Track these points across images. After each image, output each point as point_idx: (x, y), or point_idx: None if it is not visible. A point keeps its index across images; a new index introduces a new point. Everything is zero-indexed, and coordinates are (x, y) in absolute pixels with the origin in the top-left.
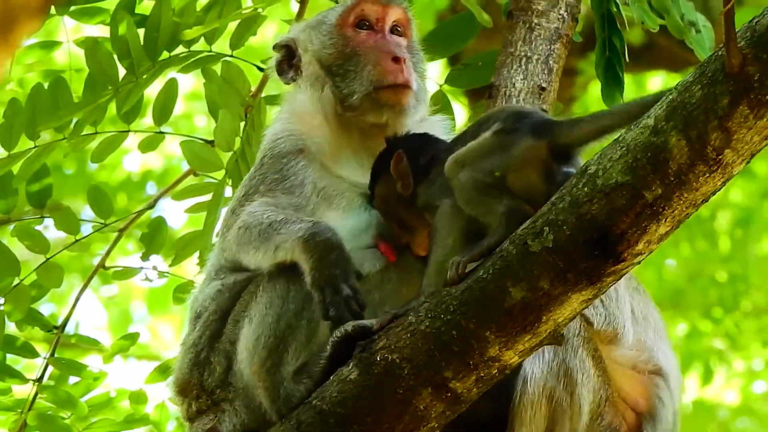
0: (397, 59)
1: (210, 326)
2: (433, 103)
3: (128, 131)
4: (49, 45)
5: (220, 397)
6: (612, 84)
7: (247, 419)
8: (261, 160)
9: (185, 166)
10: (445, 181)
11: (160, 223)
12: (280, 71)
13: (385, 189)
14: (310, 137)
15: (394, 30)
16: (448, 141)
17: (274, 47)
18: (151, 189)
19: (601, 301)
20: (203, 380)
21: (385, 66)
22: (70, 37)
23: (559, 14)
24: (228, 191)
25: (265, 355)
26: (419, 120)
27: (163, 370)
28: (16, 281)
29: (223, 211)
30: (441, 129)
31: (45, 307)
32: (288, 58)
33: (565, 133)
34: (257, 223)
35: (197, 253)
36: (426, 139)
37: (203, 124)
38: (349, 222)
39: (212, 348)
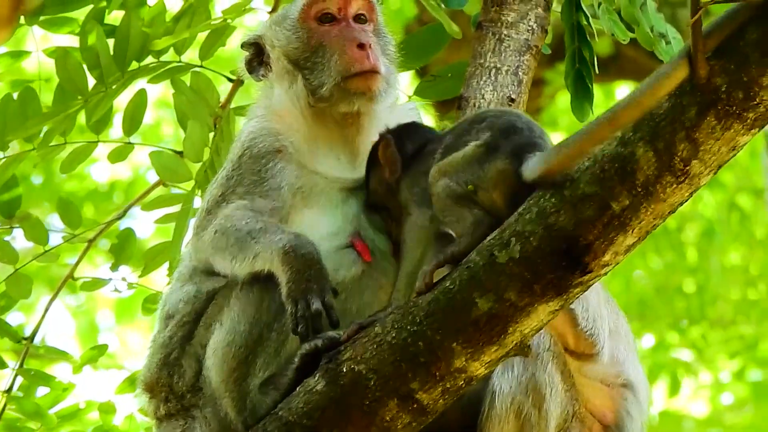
0: (362, 45)
1: (183, 327)
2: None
3: (97, 141)
4: (18, 54)
5: (190, 402)
6: (581, 95)
7: (215, 428)
8: (239, 158)
9: (152, 177)
10: (424, 185)
11: (129, 234)
12: (250, 69)
13: (376, 179)
14: (287, 135)
15: (357, 18)
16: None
17: (242, 45)
18: (119, 199)
19: (586, 309)
20: (173, 382)
21: (351, 54)
22: (39, 46)
23: (529, 26)
24: (197, 201)
25: (234, 365)
26: (390, 106)
27: (132, 381)
28: None
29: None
30: (411, 117)
31: (13, 317)
32: (257, 56)
33: (536, 167)
34: (235, 228)
35: (166, 264)
36: (415, 128)
37: (171, 132)
38: (325, 221)
39: (183, 350)
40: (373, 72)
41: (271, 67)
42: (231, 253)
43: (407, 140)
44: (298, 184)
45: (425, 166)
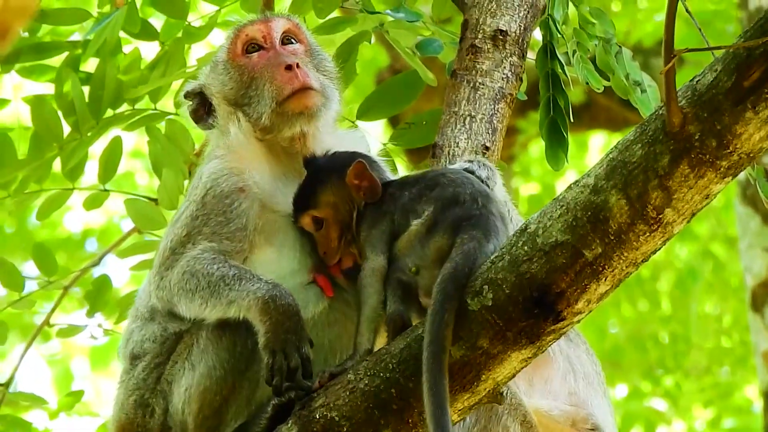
0: (289, 67)
1: (156, 369)
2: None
3: (73, 188)
4: None
5: None
6: (556, 144)
7: None
8: (202, 198)
9: (126, 225)
10: (382, 228)
11: (104, 281)
12: (197, 119)
13: (337, 196)
14: (249, 174)
15: (285, 41)
16: (391, 179)
17: (186, 95)
18: (91, 247)
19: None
20: (146, 423)
21: (280, 78)
22: (15, 94)
23: (503, 74)
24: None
25: (209, 414)
26: (336, 131)
27: (106, 428)
28: None
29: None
30: (361, 144)
31: None
32: (203, 105)
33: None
34: (206, 273)
35: None
36: (376, 162)
37: (145, 183)
38: (286, 258)
39: (153, 390)
40: (305, 89)
41: (215, 114)
42: (201, 297)
43: (376, 169)
44: (261, 222)
45: (385, 207)
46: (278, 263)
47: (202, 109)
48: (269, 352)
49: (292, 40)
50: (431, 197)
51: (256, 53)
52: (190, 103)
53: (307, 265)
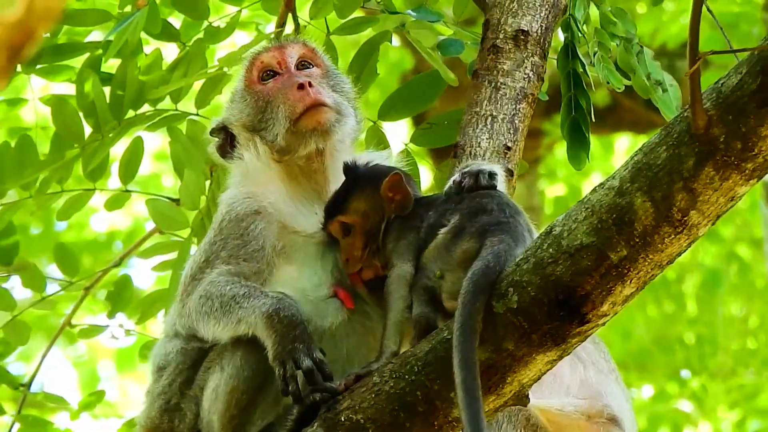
0: (301, 86)
1: (181, 374)
2: (398, 162)
3: (94, 189)
4: (15, 102)
5: None
6: (577, 145)
7: None
8: (219, 224)
9: (150, 226)
10: (409, 239)
11: (126, 281)
12: (223, 154)
13: (368, 205)
14: (264, 197)
15: (300, 66)
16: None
17: (211, 133)
18: (118, 249)
19: None
20: (174, 427)
21: (292, 97)
22: (36, 95)
23: (525, 74)
24: (193, 249)
25: (235, 413)
26: (351, 146)
27: (130, 427)
28: None
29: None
30: (368, 156)
31: (13, 366)
32: (228, 140)
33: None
34: (219, 294)
35: (163, 311)
36: (410, 178)
37: (170, 184)
38: (306, 274)
39: (183, 395)
40: (317, 105)
41: (238, 143)
42: (215, 318)
43: (411, 184)
44: (280, 244)
45: (412, 222)
46: (299, 281)
47: (227, 143)
48: (279, 363)
49: (308, 65)
50: (457, 209)
51: (271, 80)
52: (217, 139)
53: (328, 281)
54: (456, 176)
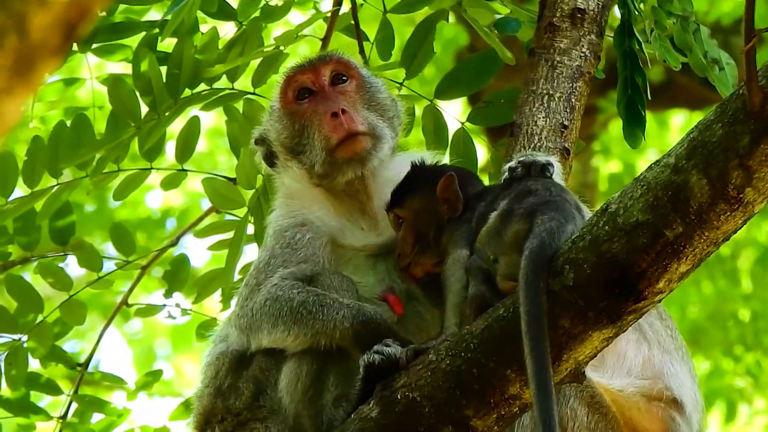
0: (335, 114)
1: (231, 359)
2: (454, 141)
3: (150, 169)
4: (72, 82)
5: (247, 417)
6: (633, 123)
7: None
8: (267, 244)
9: (206, 204)
10: (464, 230)
11: (182, 261)
12: (270, 164)
13: (422, 204)
14: (310, 212)
15: (335, 80)
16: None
17: (256, 142)
18: (171, 226)
19: None
20: (229, 404)
21: (327, 127)
22: (93, 74)
23: (581, 52)
24: (250, 228)
25: (308, 383)
26: (391, 159)
27: (186, 407)
28: (39, 318)
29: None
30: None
31: (69, 345)
32: (271, 150)
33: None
34: (287, 298)
35: (220, 291)
36: (472, 177)
37: (225, 162)
38: (356, 280)
39: (238, 375)
40: (352, 135)
41: (278, 159)
42: (284, 323)
43: (468, 185)
44: (329, 257)
45: (465, 216)
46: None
47: (273, 154)
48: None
49: (343, 78)
50: (505, 195)
51: (306, 99)
52: (262, 148)
53: (378, 287)
54: (512, 163)
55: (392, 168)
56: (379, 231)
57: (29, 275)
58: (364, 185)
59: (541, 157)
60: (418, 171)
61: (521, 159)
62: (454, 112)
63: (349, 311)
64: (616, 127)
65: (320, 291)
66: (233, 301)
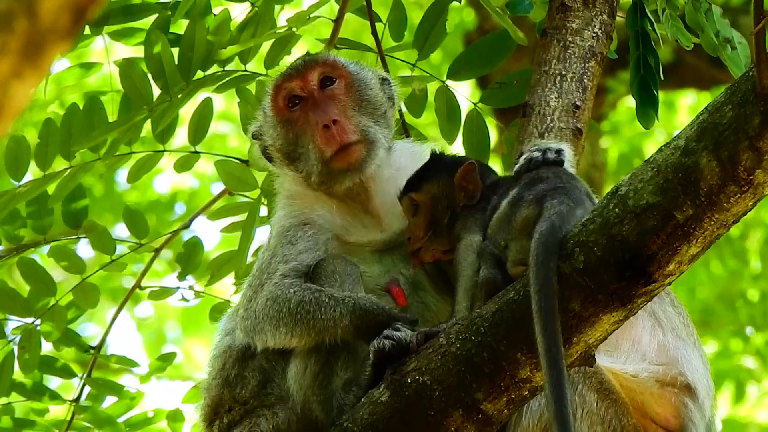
0: (326, 126)
1: (237, 351)
2: (467, 122)
3: (163, 151)
4: (89, 67)
5: (254, 405)
6: (647, 103)
7: (285, 422)
8: (270, 243)
9: (214, 187)
10: (476, 217)
11: (195, 243)
12: (269, 158)
13: (440, 190)
14: (312, 210)
15: (324, 83)
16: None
17: (254, 136)
18: (180, 209)
19: None
20: (236, 394)
21: (320, 138)
22: (106, 57)
23: (593, 32)
24: (263, 210)
25: (317, 369)
26: (387, 157)
27: (197, 391)
28: (52, 302)
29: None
30: (409, 155)
31: (82, 328)
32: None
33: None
34: (285, 298)
35: (232, 273)
36: (488, 169)
37: (235, 145)
38: (361, 270)
39: (245, 365)
40: (345, 146)
41: (274, 161)
42: (286, 325)
43: (485, 176)
44: (336, 252)
45: (479, 205)
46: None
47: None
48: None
49: (331, 80)
50: (516, 183)
51: (297, 106)
52: (260, 143)
53: (383, 278)
54: (527, 154)
55: (391, 163)
56: (383, 227)
57: (42, 259)
58: (364, 188)
59: (554, 145)
60: (438, 159)
61: (534, 148)
62: (465, 93)
63: (345, 308)
64: (624, 107)
65: (316, 287)
66: (237, 297)
